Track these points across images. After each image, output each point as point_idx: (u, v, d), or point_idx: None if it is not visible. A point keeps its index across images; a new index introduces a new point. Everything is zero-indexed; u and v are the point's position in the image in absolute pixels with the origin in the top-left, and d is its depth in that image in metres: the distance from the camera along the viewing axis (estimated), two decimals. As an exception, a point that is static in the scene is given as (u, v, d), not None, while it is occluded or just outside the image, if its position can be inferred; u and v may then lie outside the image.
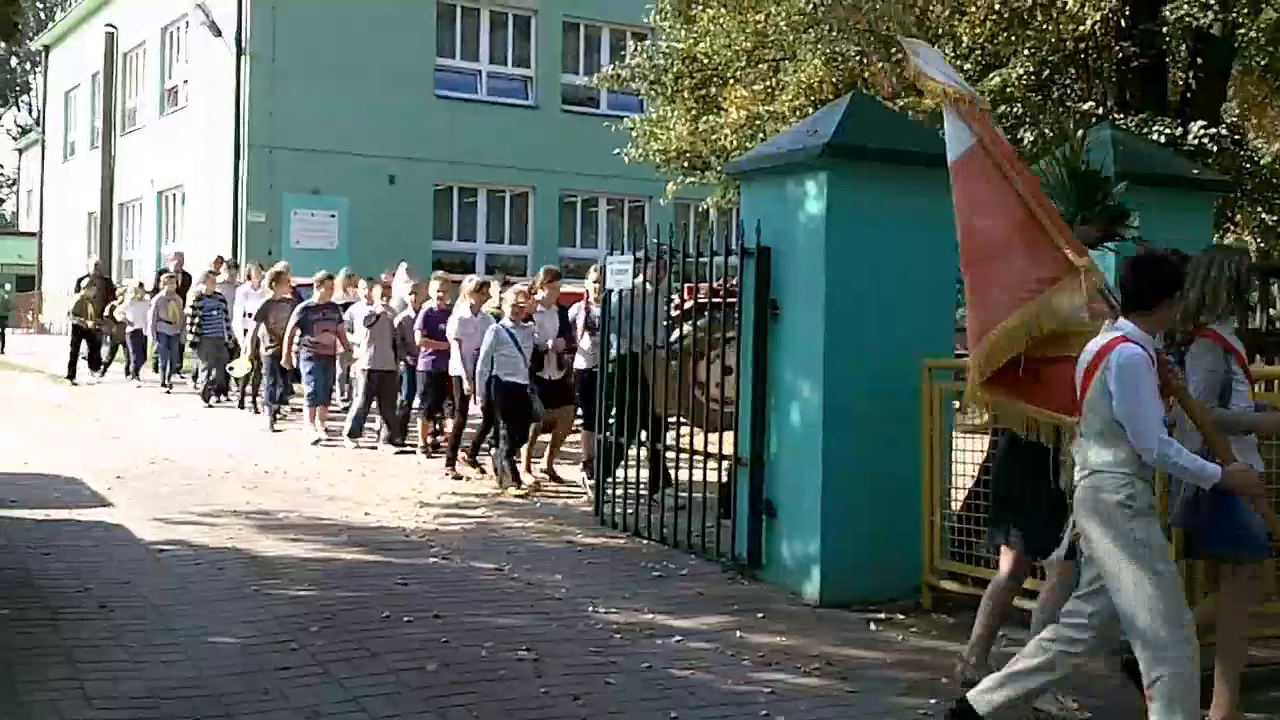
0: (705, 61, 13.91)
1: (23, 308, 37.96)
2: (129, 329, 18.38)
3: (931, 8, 11.50)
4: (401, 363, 12.59)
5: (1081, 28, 10.61)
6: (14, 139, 57.38)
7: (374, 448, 12.34)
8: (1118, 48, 11.20)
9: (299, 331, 12.78)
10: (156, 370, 18.14)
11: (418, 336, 11.69)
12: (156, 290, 18.28)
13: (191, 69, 25.50)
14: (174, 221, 26.62)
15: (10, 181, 59.74)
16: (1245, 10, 10.77)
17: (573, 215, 26.21)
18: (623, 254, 8.83)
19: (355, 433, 12.49)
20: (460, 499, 9.71)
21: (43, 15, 50.04)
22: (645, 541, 8.23)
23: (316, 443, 12.38)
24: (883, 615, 6.57)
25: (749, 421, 7.32)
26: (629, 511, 8.52)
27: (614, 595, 6.81)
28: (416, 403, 12.46)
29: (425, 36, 24.05)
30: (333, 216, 22.99)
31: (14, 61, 59.26)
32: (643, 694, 5.19)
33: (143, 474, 10.31)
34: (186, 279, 18.36)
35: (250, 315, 14.90)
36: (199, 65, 24.91)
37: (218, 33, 23.39)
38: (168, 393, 17.09)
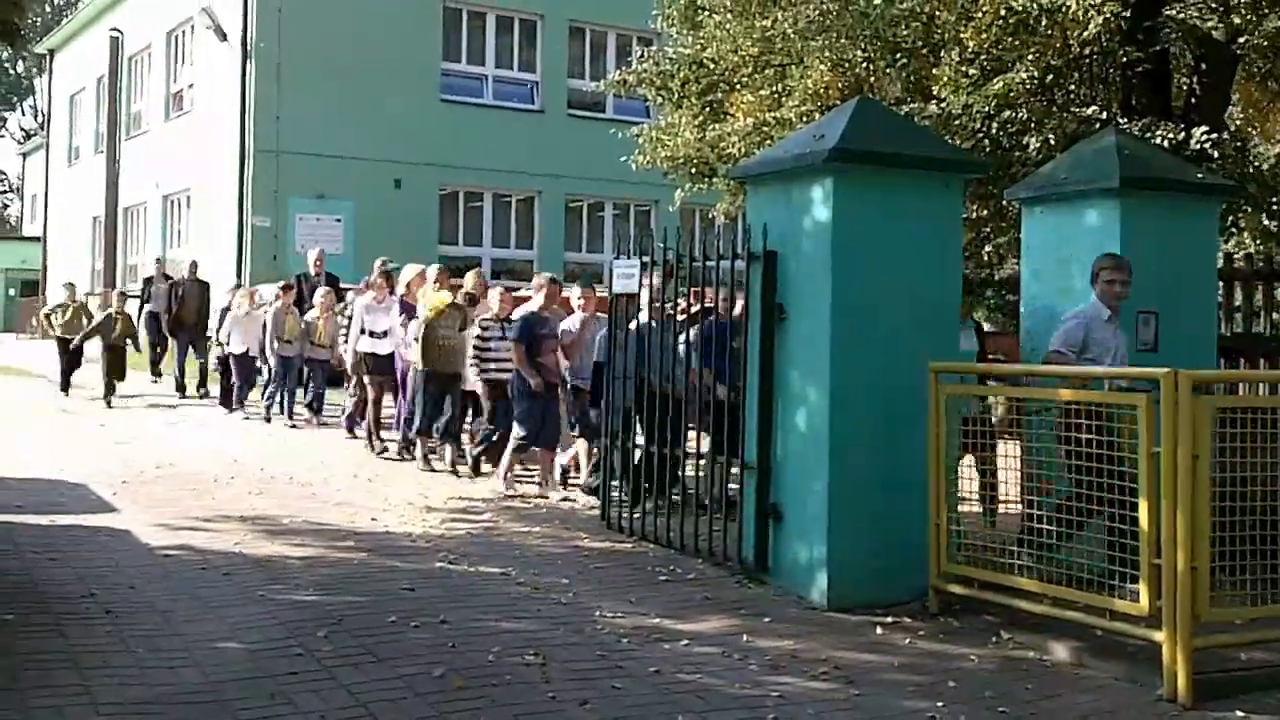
0: (711, 67, 13.88)
1: (26, 313, 37.98)
2: (230, 350, 15.06)
3: (938, 14, 11.48)
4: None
5: (1085, 32, 10.60)
6: (18, 143, 57.62)
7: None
8: (1122, 52, 11.20)
9: (526, 352, 10.00)
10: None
11: None
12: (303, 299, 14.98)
13: (197, 73, 25.54)
14: (179, 226, 26.66)
15: (14, 186, 59.93)
16: (1248, 16, 10.74)
17: (578, 220, 26.22)
18: (629, 259, 8.84)
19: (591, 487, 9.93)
20: (466, 504, 9.70)
21: (49, 18, 50.13)
22: (652, 546, 8.23)
23: (515, 496, 10.03)
24: (889, 619, 6.57)
25: (756, 426, 7.33)
26: (635, 516, 8.53)
27: (621, 599, 6.81)
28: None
29: (431, 40, 24.07)
30: (338, 221, 22.99)
31: (19, 65, 59.45)
32: (650, 698, 5.20)
33: (148, 479, 10.31)
34: (331, 281, 15.76)
35: (374, 333, 12.24)
36: (204, 69, 24.95)
37: (223, 37, 23.44)
38: (314, 425, 14.12)
